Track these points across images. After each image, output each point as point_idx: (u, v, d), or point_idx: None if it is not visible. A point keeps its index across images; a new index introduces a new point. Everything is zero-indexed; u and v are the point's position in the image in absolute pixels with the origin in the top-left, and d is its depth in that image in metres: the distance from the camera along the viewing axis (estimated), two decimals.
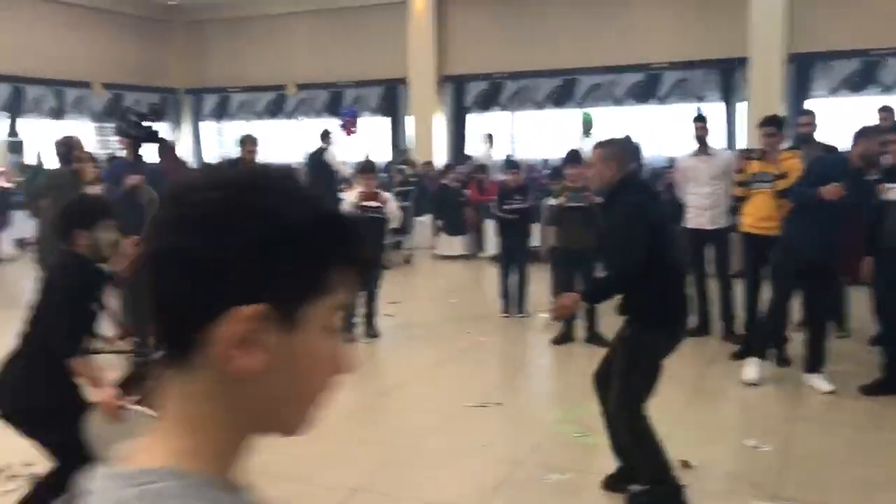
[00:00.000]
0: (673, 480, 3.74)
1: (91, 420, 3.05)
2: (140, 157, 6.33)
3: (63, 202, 6.84)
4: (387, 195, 7.40)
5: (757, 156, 6.26)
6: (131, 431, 2.74)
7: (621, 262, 3.72)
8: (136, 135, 6.21)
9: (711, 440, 4.70)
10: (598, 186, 4.02)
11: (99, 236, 3.32)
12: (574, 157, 7.37)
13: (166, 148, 10.58)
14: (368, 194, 7.11)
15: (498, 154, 14.29)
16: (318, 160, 11.28)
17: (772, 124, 6.29)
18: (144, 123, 6.23)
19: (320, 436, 4.47)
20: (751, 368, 5.71)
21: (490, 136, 14.34)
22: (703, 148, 6.88)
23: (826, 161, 5.72)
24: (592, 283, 3.74)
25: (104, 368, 3.23)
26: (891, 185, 5.24)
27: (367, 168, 7.49)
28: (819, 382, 5.57)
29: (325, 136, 11.66)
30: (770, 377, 5.70)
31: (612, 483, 3.96)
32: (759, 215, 6.10)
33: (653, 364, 3.71)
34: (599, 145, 4.00)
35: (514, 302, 8.00)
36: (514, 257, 8.06)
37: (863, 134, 5.48)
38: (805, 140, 6.36)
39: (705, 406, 5.32)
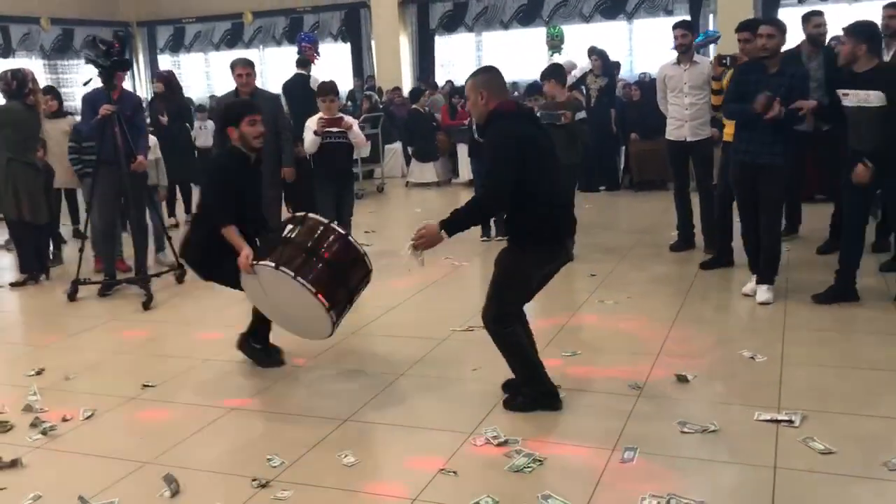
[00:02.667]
0: (543, 383, 3.88)
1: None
2: (113, 85, 6.25)
3: (20, 136, 6.55)
4: (350, 120, 6.98)
5: (731, 63, 6.04)
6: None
7: (482, 191, 3.71)
8: (105, 64, 6.11)
9: (704, 353, 4.61)
10: (476, 118, 3.87)
11: (245, 130, 4.27)
12: (554, 71, 7.09)
13: (165, 75, 10.25)
14: (330, 120, 6.75)
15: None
16: (299, 87, 10.78)
17: (747, 29, 6.03)
18: (112, 52, 6.12)
19: (307, 368, 4.31)
20: (762, 293, 5.49)
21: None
22: (685, 56, 6.66)
23: (745, 66, 5.51)
24: (453, 213, 3.69)
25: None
26: (846, 92, 5.07)
27: (325, 90, 6.82)
28: (762, 292, 5.48)
29: (305, 63, 11.15)
30: (751, 289, 5.61)
31: (506, 388, 4.09)
32: None
33: (522, 282, 3.85)
34: (471, 76, 3.86)
35: (493, 225, 7.84)
36: None
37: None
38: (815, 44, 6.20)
39: (694, 320, 5.23)
